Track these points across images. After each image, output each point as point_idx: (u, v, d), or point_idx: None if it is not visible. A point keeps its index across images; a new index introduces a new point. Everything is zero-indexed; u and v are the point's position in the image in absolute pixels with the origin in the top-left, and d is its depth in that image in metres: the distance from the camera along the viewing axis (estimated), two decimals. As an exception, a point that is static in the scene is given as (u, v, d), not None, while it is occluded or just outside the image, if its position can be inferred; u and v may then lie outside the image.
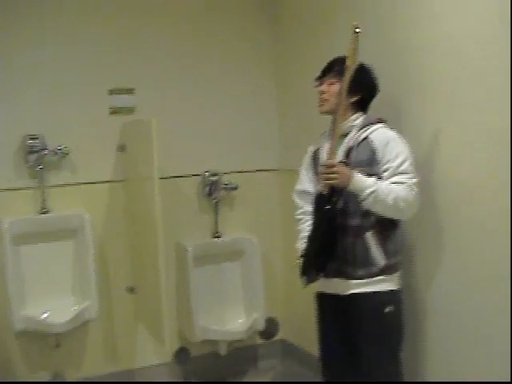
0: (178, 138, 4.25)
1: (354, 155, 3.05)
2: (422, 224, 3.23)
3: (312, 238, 3.08)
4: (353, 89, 3.01)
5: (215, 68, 4.44)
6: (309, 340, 4.25)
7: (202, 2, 4.42)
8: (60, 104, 4.03)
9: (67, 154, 4.00)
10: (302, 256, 3.13)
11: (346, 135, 3.12)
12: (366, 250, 3.02)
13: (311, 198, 3.20)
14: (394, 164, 2.96)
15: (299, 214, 3.39)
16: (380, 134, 3.04)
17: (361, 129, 3.09)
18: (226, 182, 4.44)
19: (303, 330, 4.51)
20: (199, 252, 4.28)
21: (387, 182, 2.95)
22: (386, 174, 2.97)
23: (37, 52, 3.95)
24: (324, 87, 3.15)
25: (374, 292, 3.03)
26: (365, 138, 3.08)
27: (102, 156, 4.18)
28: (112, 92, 4.12)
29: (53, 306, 3.91)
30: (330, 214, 2.99)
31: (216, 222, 4.46)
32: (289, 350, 4.73)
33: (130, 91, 4.18)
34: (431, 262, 3.22)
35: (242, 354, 4.62)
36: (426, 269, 3.27)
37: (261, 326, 4.37)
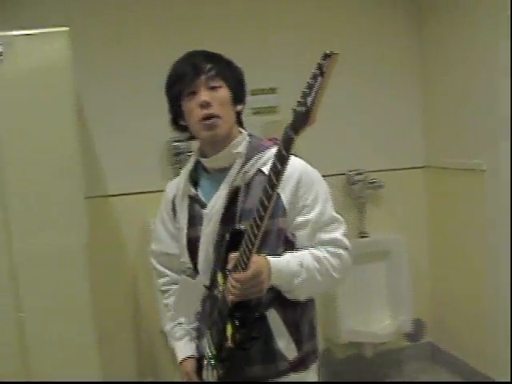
0: (321, 136, 4.11)
1: (242, 201, 2.05)
2: None
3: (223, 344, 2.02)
4: (238, 95, 2.15)
5: (360, 65, 4.32)
6: (458, 344, 4.12)
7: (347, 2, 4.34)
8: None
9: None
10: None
11: (224, 169, 2.12)
12: (268, 337, 2.06)
13: (176, 262, 2.29)
14: (313, 215, 2.05)
15: (165, 285, 2.38)
16: None
17: (249, 158, 2.09)
18: (372, 181, 4.33)
19: (451, 333, 4.38)
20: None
21: (311, 249, 2.05)
22: (304, 233, 2.06)
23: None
24: (205, 94, 2.05)
25: None
26: (257, 173, 2.07)
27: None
28: (254, 92, 4.11)
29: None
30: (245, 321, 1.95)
31: (362, 221, 4.38)
32: (436, 354, 4.58)
33: (272, 91, 4.17)
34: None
35: (387, 357, 4.52)
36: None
37: (407, 328, 4.24)
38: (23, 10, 3.55)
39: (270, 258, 1.95)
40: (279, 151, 1.71)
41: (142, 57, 3.89)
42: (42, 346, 2.88)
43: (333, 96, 4.23)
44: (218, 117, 2.04)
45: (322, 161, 4.22)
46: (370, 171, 4.34)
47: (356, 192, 4.32)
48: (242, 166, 2.07)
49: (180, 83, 2.08)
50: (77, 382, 2.82)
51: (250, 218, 1.82)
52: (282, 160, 1.70)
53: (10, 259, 2.82)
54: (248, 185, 2.05)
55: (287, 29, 4.18)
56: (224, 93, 2.07)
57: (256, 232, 1.78)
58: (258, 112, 4.15)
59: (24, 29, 2.66)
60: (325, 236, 2.05)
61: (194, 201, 2.19)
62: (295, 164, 2.03)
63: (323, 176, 2.12)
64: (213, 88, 2.05)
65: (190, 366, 2.23)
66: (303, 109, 1.65)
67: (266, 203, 1.74)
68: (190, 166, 2.25)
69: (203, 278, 2.14)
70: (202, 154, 2.20)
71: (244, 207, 2.03)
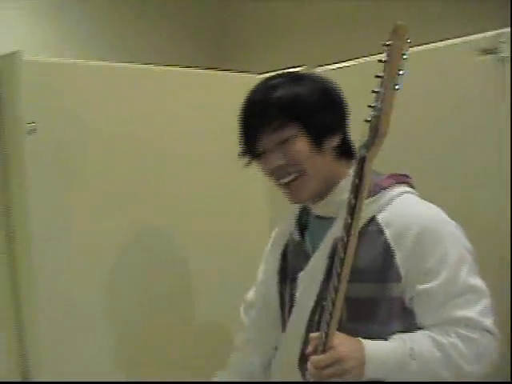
0: None
1: None
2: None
3: None
4: (325, 131, 1.57)
5: None
6: None
7: None
8: None
9: None
10: None
11: (329, 219, 1.62)
12: None
13: (266, 320, 1.83)
14: (437, 284, 1.48)
15: (239, 342, 1.91)
16: (401, 213, 1.53)
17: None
18: None
19: None
20: None
21: (434, 330, 1.48)
22: (425, 308, 1.51)
23: None
24: (274, 156, 1.57)
25: None
26: (370, 222, 1.55)
27: None
28: None
29: None
30: None
31: None
32: None
33: None
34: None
35: None
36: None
37: None
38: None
39: (367, 342, 1.46)
40: (353, 181, 1.37)
41: None
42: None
43: None
44: (301, 174, 1.57)
45: None
46: None
47: None
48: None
49: (242, 143, 1.63)
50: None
51: (360, 282, 1.51)
52: (355, 193, 1.35)
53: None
54: (358, 237, 1.44)
55: None
56: (300, 145, 1.56)
57: (333, 306, 1.40)
58: None
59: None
60: (455, 313, 1.48)
61: (299, 250, 1.72)
62: (417, 212, 1.55)
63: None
64: (284, 142, 1.56)
65: None
66: (374, 114, 1.31)
67: (339, 270, 1.39)
68: (297, 207, 1.78)
69: (288, 356, 1.68)
70: None
71: (353, 266, 1.44)
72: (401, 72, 1.29)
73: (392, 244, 1.51)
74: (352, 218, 1.35)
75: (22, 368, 2.17)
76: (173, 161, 2.46)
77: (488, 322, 1.49)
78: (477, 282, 1.51)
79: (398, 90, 1.29)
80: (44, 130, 2.08)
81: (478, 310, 1.48)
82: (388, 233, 1.52)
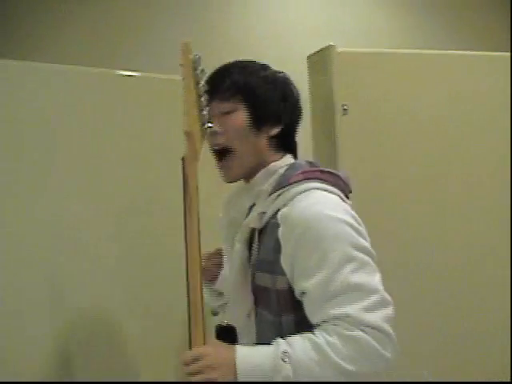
0: None
1: (256, 248, 1.67)
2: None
3: None
4: (267, 117, 1.69)
5: None
6: None
7: None
8: None
9: None
10: None
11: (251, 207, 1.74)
12: None
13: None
14: (313, 283, 1.49)
15: None
16: (294, 211, 1.56)
17: (273, 193, 1.65)
18: None
19: None
20: None
21: (315, 331, 1.50)
22: (306, 306, 1.54)
23: None
24: (216, 122, 1.65)
25: None
26: (274, 215, 1.63)
27: None
28: None
29: None
30: None
31: None
32: None
33: None
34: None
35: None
36: None
37: None
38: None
39: (240, 347, 1.53)
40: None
41: None
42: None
43: None
44: (229, 150, 1.68)
45: None
46: None
47: None
48: (263, 203, 1.67)
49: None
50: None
51: (260, 271, 1.64)
52: (184, 193, 1.58)
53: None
54: (264, 230, 1.65)
55: None
56: (237, 118, 1.67)
57: (188, 301, 1.56)
58: None
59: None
60: (333, 311, 1.48)
61: None
62: (304, 211, 1.55)
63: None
64: (227, 113, 1.68)
65: None
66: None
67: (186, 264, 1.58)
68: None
69: None
70: None
71: (258, 258, 1.66)
72: (200, 85, 1.57)
73: (281, 241, 1.56)
74: (185, 216, 1.53)
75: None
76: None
77: (372, 318, 1.45)
78: (364, 279, 1.48)
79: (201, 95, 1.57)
80: (354, 111, 2.40)
81: (361, 307, 1.45)
82: (280, 229, 1.57)
